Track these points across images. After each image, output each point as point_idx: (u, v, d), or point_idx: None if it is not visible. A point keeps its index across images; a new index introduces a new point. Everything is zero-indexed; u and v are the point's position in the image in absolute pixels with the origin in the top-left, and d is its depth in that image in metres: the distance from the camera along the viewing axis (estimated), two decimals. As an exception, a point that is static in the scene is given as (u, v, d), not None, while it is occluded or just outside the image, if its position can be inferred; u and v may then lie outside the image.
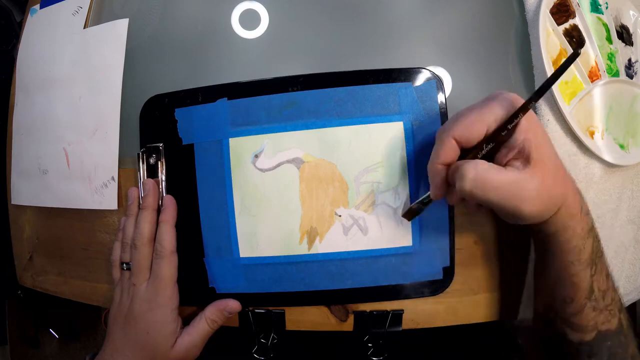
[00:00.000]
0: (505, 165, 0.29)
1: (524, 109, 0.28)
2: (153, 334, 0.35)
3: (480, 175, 0.28)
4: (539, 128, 0.30)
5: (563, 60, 0.28)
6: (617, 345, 0.32)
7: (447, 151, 0.29)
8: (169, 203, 0.37)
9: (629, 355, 0.32)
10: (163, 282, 0.35)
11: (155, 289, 0.35)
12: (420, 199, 0.33)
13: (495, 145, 0.29)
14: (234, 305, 0.37)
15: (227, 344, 0.39)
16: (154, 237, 0.37)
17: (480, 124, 0.29)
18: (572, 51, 0.38)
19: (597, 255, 0.31)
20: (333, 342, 0.44)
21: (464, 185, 0.28)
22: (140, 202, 0.38)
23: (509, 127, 0.28)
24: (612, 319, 0.32)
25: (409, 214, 0.34)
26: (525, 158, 0.29)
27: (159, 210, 0.38)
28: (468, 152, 0.30)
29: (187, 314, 0.38)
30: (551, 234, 0.31)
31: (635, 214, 0.41)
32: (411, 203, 0.35)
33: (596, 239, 0.32)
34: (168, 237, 0.36)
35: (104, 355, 0.36)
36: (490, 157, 0.30)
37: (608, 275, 0.32)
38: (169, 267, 0.36)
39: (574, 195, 0.31)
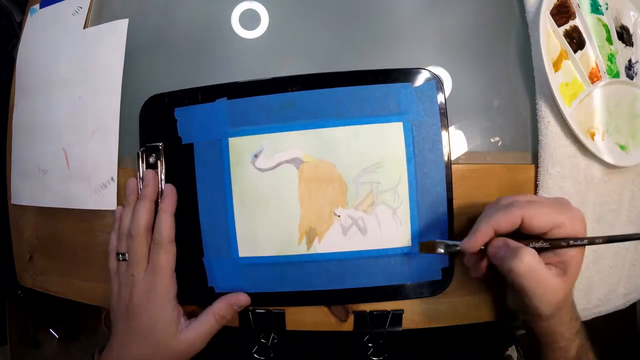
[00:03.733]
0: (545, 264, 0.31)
1: (591, 244, 0.30)
2: (154, 324, 0.35)
3: (534, 266, 0.29)
4: (584, 251, 0.32)
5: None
6: None
7: (508, 224, 0.30)
8: (169, 192, 0.37)
9: None
10: (161, 271, 0.35)
11: (153, 279, 0.35)
12: (449, 244, 0.33)
13: (548, 248, 0.31)
14: (243, 298, 0.37)
15: (227, 344, 0.39)
16: (152, 228, 0.36)
17: (548, 221, 0.30)
18: (572, 51, 0.38)
19: (584, 352, 0.34)
20: (333, 342, 0.44)
21: (518, 266, 0.29)
22: (139, 193, 0.38)
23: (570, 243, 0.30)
24: None
25: (426, 248, 0.34)
26: (564, 269, 0.31)
27: (156, 204, 0.37)
28: (522, 237, 0.31)
29: (186, 313, 0.38)
30: (542, 334, 0.33)
31: (636, 215, 0.41)
32: (440, 239, 0.35)
33: (583, 339, 0.34)
34: (167, 226, 0.36)
35: (111, 348, 0.36)
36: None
37: None
38: (167, 256, 0.35)
39: (569, 306, 0.33)
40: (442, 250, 0.33)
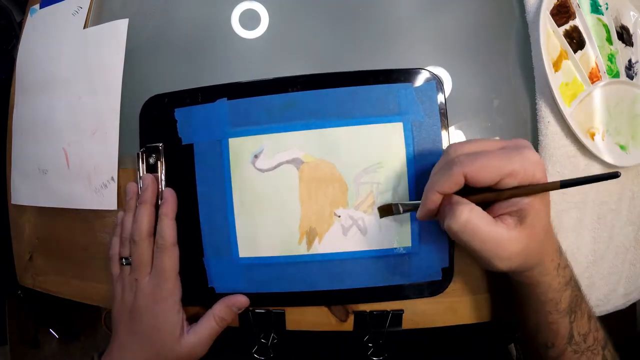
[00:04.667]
0: (498, 215, 0.30)
1: (545, 190, 0.28)
2: (158, 327, 0.35)
3: (472, 223, 0.28)
4: (546, 195, 0.30)
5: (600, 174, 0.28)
6: None
7: (452, 185, 0.29)
8: (169, 196, 0.37)
9: None
10: (165, 274, 0.35)
11: (158, 282, 0.35)
12: (406, 203, 0.33)
13: (498, 199, 0.29)
14: (242, 300, 0.37)
15: (227, 344, 0.39)
16: (153, 232, 0.36)
17: (495, 173, 0.28)
18: (572, 51, 0.38)
19: (577, 303, 0.32)
20: (333, 342, 0.44)
21: (452, 225, 0.28)
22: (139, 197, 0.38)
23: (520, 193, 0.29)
24: (596, 357, 0.32)
25: (384, 211, 0.34)
26: (519, 218, 0.29)
27: (157, 206, 0.37)
28: (468, 192, 0.30)
29: (188, 314, 0.38)
30: (526, 284, 0.32)
31: (636, 215, 0.41)
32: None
33: (575, 289, 0.32)
34: (169, 229, 0.36)
35: (111, 352, 0.36)
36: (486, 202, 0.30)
37: (590, 318, 0.33)
38: (170, 259, 0.36)
39: (552, 254, 0.31)
40: (400, 211, 0.33)
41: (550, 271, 0.31)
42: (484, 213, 0.29)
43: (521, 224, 0.29)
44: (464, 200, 0.29)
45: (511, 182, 0.28)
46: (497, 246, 0.29)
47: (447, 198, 0.30)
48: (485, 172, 0.28)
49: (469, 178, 0.28)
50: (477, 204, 0.29)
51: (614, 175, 0.27)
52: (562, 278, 0.32)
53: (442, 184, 0.29)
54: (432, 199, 0.30)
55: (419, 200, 0.32)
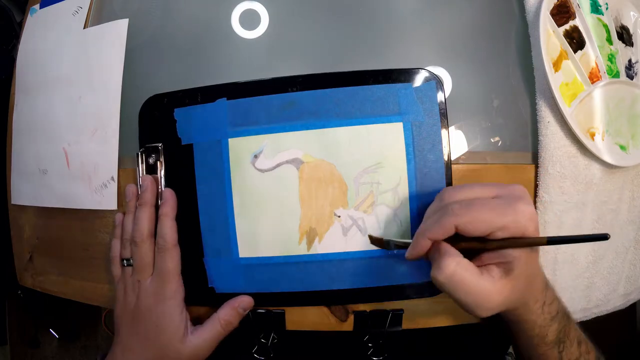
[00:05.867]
0: (485, 264, 0.30)
1: (532, 244, 0.29)
2: (162, 328, 0.35)
3: (457, 275, 0.28)
4: (535, 248, 0.30)
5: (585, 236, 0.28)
6: None
7: (443, 233, 0.29)
8: (169, 196, 0.37)
9: None
10: (168, 275, 0.35)
11: (160, 283, 0.35)
12: (398, 241, 0.33)
13: (485, 249, 0.30)
14: (247, 300, 0.37)
15: (227, 344, 0.39)
16: (154, 233, 0.36)
17: (487, 227, 0.28)
18: (572, 51, 0.38)
19: (565, 334, 0.33)
20: (333, 342, 0.44)
21: (438, 276, 0.29)
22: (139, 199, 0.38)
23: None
24: None
25: (377, 242, 0.35)
26: (506, 270, 0.29)
27: (157, 207, 0.37)
28: (459, 239, 0.30)
29: (190, 315, 0.38)
30: (513, 321, 0.33)
31: (636, 215, 0.41)
32: (389, 237, 0.35)
33: (563, 321, 0.33)
34: (169, 230, 0.36)
35: (115, 354, 0.36)
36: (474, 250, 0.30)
37: (580, 343, 0.34)
38: (172, 260, 0.36)
39: (537, 294, 0.32)
40: (391, 247, 0.34)
41: (535, 310, 0.32)
42: (470, 265, 0.29)
43: (507, 276, 0.29)
44: (452, 251, 0.29)
45: (501, 235, 0.28)
46: (480, 298, 0.29)
47: (436, 244, 0.30)
48: (477, 224, 0.28)
49: (460, 229, 0.28)
50: (465, 250, 0.30)
51: (603, 237, 0.27)
52: (547, 314, 0.32)
53: (433, 231, 0.29)
54: (422, 244, 0.30)
55: (408, 240, 0.32)
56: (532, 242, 0.28)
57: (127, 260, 0.37)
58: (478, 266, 0.29)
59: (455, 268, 0.28)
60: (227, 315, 0.36)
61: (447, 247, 0.29)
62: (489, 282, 0.29)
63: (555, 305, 0.33)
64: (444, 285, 0.29)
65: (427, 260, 0.32)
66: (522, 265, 0.29)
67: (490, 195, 0.30)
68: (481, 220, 0.28)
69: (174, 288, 0.35)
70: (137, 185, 0.39)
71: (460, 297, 0.29)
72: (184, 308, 0.36)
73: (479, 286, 0.29)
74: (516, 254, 0.29)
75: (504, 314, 0.32)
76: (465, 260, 0.29)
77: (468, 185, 0.31)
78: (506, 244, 0.28)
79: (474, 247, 0.30)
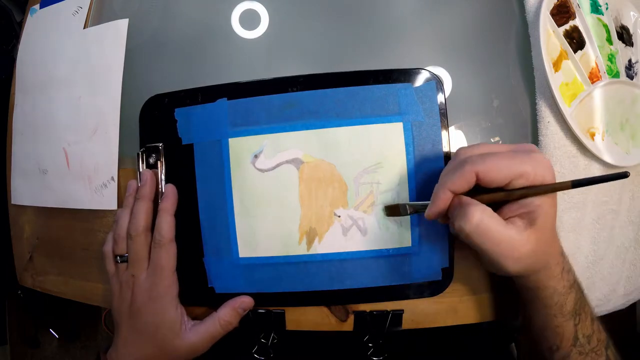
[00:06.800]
0: (508, 218, 0.30)
1: (556, 189, 0.28)
2: (158, 324, 0.35)
3: (484, 224, 0.28)
4: (554, 197, 0.30)
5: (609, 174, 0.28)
6: None
7: (464, 184, 0.29)
8: (170, 192, 0.37)
9: None
10: (163, 271, 0.35)
11: (154, 279, 0.35)
12: (414, 204, 0.33)
13: (508, 199, 0.29)
14: (247, 301, 0.37)
15: (227, 344, 0.39)
16: (150, 228, 0.36)
17: (507, 173, 0.28)
18: (572, 51, 0.38)
19: (581, 305, 0.32)
20: (333, 342, 0.44)
21: (464, 226, 0.28)
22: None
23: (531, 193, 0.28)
24: (599, 358, 0.33)
25: (391, 210, 0.35)
26: (530, 220, 0.29)
27: (156, 202, 0.37)
28: (479, 192, 0.29)
29: (189, 315, 0.38)
30: (532, 288, 0.32)
31: (636, 215, 0.41)
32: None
33: (579, 292, 0.32)
34: (167, 225, 0.36)
35: (117, 347, 0.36)
36: (496, 203, 0.30)
37: (593, 320, 0.33)
38: (167, 256, 0.35)
39: (557, 257, 0.31)
40: (408, 212, 0.34)
41: (556, 274, 0.31)
42: (495, 214, 0.29)
43: (531, 226, 0.29)
44: (475, 201, 0.29)
45: (522, 183, 0.28)
46: (508, 248, 0.29)
47: (456, 199, 0.30)
48: (497, 171, 0.28)
49: (480, 177, 0.28)
50: (487, 205, 0.29)
51: (624, 175, 0.27)
52: (566, 281, 0.32)
53: (453, 182, 0.29)
54: (442, 197, 0.30)
55: (425, 201, 0.32)
56: (556, 187, 0.28)
57: (121, 256, 0.37)
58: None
59: (482, 216, 0.28)
60: (227, 316, 0.36)
61: (469, 199, 0.29)
62: (515, 231, 0.29)
63: (572, 273, 0.32)
64: (471, 234, 0.28)
65: (445, 223, 0.32)
66: (544, 215, 0.29)
67: (506, 150, 0.30)
68: (501, 167, 0.28)
69: (168, 285, 0.35)
70: (138, 182, 0.38)
71: (488, 247, 0.29)
72: (179, 304, 0.36)
73: (506, 234, 0.28)
74: (538, 202, 0.29)
75: (524, 281, 0.32)
76: (490, 209, 0.29)
77: (483, 143, 0.31)
78: (530, 192, 0.28)
79: (497, 198, 0.29)
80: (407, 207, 0.34)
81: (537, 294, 0.32)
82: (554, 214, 0.30)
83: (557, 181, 0.29)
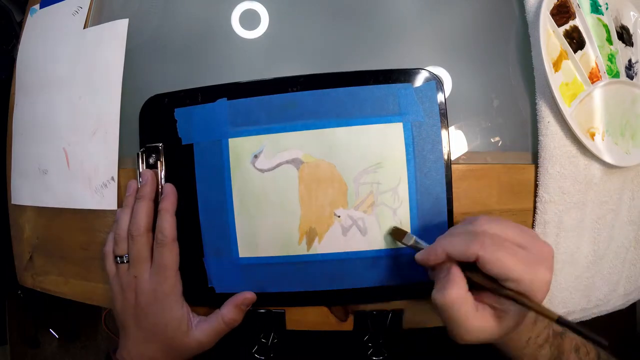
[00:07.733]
0: (483, 300, 0.30)
1: (541, 315, 0.28)
2: (165, 323, 0.35)
3: (455, 306, 0.28)
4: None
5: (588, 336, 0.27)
6: None
7: (462, 257, 0.29)
8: (170, 191, 0.37)
9: None
10: (166, 271, 0.35)
11: (158, 279, 0.35)
12: (416, 242, 0.34)
13: (492, 292, 0.29)
14: (249, 296, 0.37)
15: (228, 344, 0.39)
16: (151, 227, 0.36)
17: (506, 273, 0.28)
18: (572, 51, 0.38)
19: (559, 351, 0.33)
20: (333, 342, 0.44)
21: (438, 298, 0.29)
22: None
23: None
24: None
25: (396, 234, 0.35)
26: (498, 316, 0.29)
27: (156, 202, 0.37)
28: (469, 268, 0.29)
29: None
30: (498, 349, 0.33)
31: (636, 215, 0.41)
32: (410, 233, 0.35)
33: (554, 342, 0.33)
34: (169, 225, 0.36)
35: (127, 346, 0.36)
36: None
37: (578, 349, 0.34)
38: (171, 255, 0.35)
39: (525, 332, 0.32)
40: (406, 244, 0.34)
41: (520, 346, 0.32)
42: (470, 299, 0.29)
43: (500, 323, 0.29)
44: (460, 279, 0.29)
45: (511, 285, 0.28)
46: (467, 332, 0.29)
47: (449, 263, 0.30)
48: (498, 267, 0.28)
49: (479, 262, 0.28)
50: (470, 280, 0.29)
51: (602, 345, 0.26)
52: (534, 345, 0.32)
53: (454, 250, 0.29)
54: (438, 254, 0.30)
55: (427, 243, 0.33)
56: (542, 313, 0.28)
57: (122, 257, 0.36)
58: (475, 298, 0.29)
59: (457, 299, 0.28)
60: (230, 314, 0.36)
61: (457, 274, 0.29)
62: (480, 320, 0.29)
63: (544, 334, 0.33)
64: (440, 308, 0.29)
65: (431, 270, 0.32)
66: (512, 321, 0.29)
67: (522, 243, 0.29)
68: (503, 266, 0.27)
69: (172, 283, 0.35)
70: (138, 182, 0.38)
71: (449, 325, 0.29)
72: (184, 302, 0.36)
73: (470, 322, 0.29)
74: (515, 309, 0.29)
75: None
76: (469, 295, 0.29)
77: (505, 221, 0.30)
78: (519, 299, 0.28)
79: (486, 286, 0.29)
80: (410, 239, 0.34)
81: (505, 350, 0.33)
82: (525, 315, 0.30)
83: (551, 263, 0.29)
